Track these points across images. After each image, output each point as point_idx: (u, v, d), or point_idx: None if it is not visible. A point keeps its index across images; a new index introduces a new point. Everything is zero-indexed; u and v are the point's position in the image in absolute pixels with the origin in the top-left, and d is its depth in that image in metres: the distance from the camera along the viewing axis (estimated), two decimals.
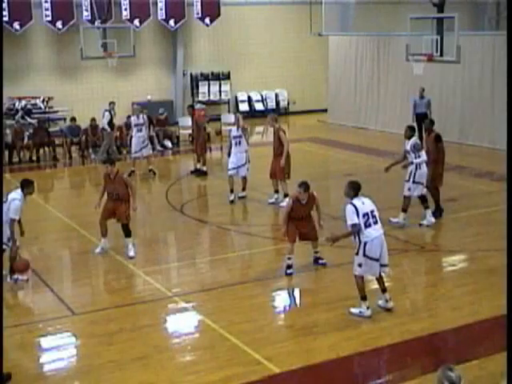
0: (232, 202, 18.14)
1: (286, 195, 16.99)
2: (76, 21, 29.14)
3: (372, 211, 10.83)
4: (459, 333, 10.54)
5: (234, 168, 18.19)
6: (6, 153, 24.36)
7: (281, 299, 12.13)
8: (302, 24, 31.71)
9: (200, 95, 32.55)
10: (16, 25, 28.40)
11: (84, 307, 11.81)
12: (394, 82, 28.56)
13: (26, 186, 12.81)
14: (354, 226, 10.65)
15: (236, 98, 34.03)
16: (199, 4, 31.53)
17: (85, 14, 29.40)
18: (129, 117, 26.30)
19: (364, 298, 11.02)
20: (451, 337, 10.56)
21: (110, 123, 24.62)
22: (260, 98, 34.55)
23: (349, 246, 14.02)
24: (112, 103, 25.11)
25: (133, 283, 13.26)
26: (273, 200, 17.85)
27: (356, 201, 10.77)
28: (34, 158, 24.79)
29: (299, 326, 10.89)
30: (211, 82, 32.84)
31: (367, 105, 30.13)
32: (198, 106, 29.09)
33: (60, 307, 11.84)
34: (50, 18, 29.07)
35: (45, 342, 10.60)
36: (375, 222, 10.82)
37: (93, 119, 25.39)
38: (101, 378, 9.42)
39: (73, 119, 25.94)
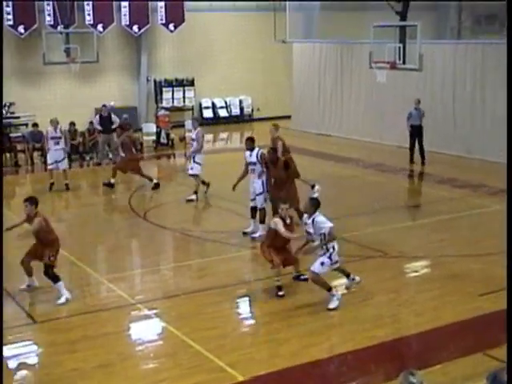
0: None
1: None
2: (38, 25, 28.93)
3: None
4: (422, 338, 10.60)
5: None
6: None
7: (244, 306, 12.12)
8: (267, 31, 31.76)
9: (164, 101, 32.43)
10: None
11: (46, 315, 11.68)
12: (358, 89, 28.73)
13: None
14: (332, 227, 11.39)
15: (200, 104, 34.00)
16: (163, 10, 31.49)
17: (47, 18, 29.20)
18: (91, 123, 26.26)
19: (330, 289, 11.58)
20: (414, 342, 10.63)
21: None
22: (224, 105, 34.55)
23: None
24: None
25: (96, 290, 13.16)
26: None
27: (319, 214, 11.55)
28: None
29: (262, 333, 10.90)
30: (175, 89, 32.72)
31: (331, 112, 30.26)
32: (161, 112, 29.13)
33: (21, 315, 11.71)
34: (11, 22, 28.81)
35: (5, 350, 10.44)
36: None
37: (72, 123, 25.19)
38: None
39: (35, 125, 25.69)
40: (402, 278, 13.56)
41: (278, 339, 10.60)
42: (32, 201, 12.38)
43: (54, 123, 21.00)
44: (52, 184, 20.85)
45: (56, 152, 20.87)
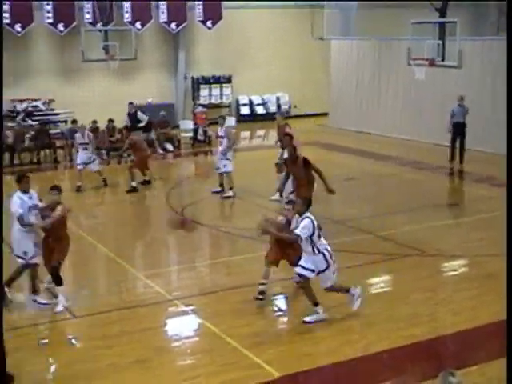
0: None
1: None
2: (77, 23, 29.18)
3: (318, 224, 11.02)
4: (459, 338, 10.53)
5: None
6: (7, 155, 24.36)
7: (281, 303, 12.10)
8: (304, 28, 31.73)
9: (201, 98, 32.54)
10: (17, 27, 28.43)
11: (84, 310, 11.79)
12: (396, 86, 28.55)
13: (19, 181, 12.06)
14: (300, 238, 10.82)
15: (237, 101, 34.05)
16: (201, 7, 31.58)
17: (86, 16, 29.48)
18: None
19: (317, 304, 11.09)
20: (451, 342, 10.55)
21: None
22: (261, 102, 34.55)
23: (348, 250, 14.09)
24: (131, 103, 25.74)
25: (133, 286, 13.26)
26: None
27: (309, 214, 10.94)
28: (35, 160, 24.80)
29: (299, 330, 10.88)
30: (212, 86, 32.83)
31: (368, 109, 30.12)
32: (198, 109, 29.23)
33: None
34: (51, 20, 29.10)
35: (45, 344, 10.59)
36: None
37: (110, 120, 25.36)
38: (101, 381, 9.42)
39: (74, 121, 25.89)
40: (439, 277, 13.47)
41: (313, 337, 10.59)
42: (59, 189, 12.19)
43: (82, 130, 21.21)
44: (79, 186, 20.80)
45: (85, 154, 20.97)
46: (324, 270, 10.93)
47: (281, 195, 16.04)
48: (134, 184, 20.42)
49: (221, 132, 19.64)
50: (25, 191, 11.90)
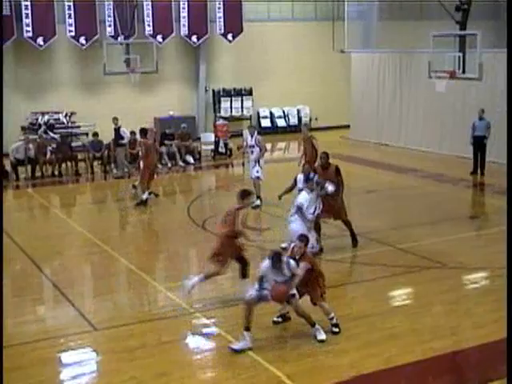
0: None
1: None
2: (99, 36, 29.39)
3: None
4: (482, 351, 10.44)
5: None
6: (29, 167, 24.54)
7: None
8: (325, 40, 31.74)
9: (222, 111, 32.66)
10: (40, 40, 28.68)
11: (105, 322, 11.81)
12: (416, 98, 28.50)
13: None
14: None
15: (258, 113, 34.10)
16: (222, 20, 31.71)
17: (108, 29, 29.69)
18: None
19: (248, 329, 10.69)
20: (474, 355, 10.47)
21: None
22: (282, 114, 34.59)
23: (369, 262, 14.05)
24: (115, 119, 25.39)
25: (154, 299, 13.28)
26: None
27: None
28: (57, 172, 24.94)
29: (321, 344, 10.83)
30: (233, 98, 32.94)
31: (389, 121, 30.08)
32: (219, 122, 29.31)
33: (81, 322, 11.85)
34: (73, 34, 29.33)
35: (66, 357, 10.61)
36: None
37: (133, 132, 25.42)
38: None
39: (95, 134, 26.06)
40: (461, 290, 13.38)
41: (336, 350, 10.54)
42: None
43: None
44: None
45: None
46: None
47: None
48: (144, 196, 20.34)
49: (251, 141, 19.93)
50: None
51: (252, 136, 20.05)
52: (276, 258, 10.54)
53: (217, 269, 12.50)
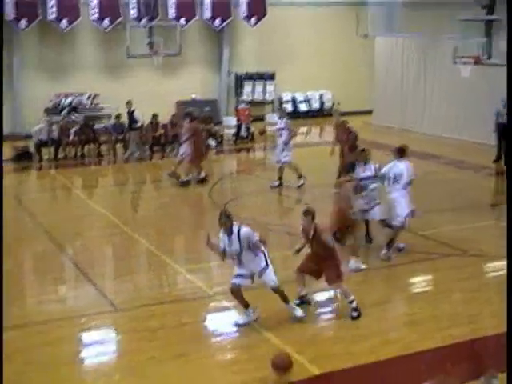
0: None
1: None
2: (123, 19, 29.36)
3: None
4: (500, 340, 10.42)
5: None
6: (52, 149, 24.67)
7: (323, 301, 12.04)
8: (348, 25, 31.51)
9: (244, 95, 32.59)
10: (64, 22, 28.68)
11: (126, 303, 11.91)
12: (440, 84, 28.31)
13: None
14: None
15: (280, 98, 33.98)
16: (245, 4, 31.59)
17: (131, 12, 29.61)
18: (174, 115, 26.56)
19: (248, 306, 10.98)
20: (492, 343, 10.45)
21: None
22: (304, 99, 34.48)
23: (379, 247, 14.02)
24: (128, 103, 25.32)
25: (174, 281, 13.36)
26: None
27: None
28: (79, 154, 25.05)
29: (341, 328, 10.87)
30: (256, 82, 32.84)
31: (412, 106, 29.91)
32: (242, 106, 29.28)
33: (102, 302, 11.97)
34: (97, 16, 29.31)
35: (87, 336, 10.73)
36: None
37: (155, 115, 25.52)
38: (141, 373, 9.50)
39: (118, 117, 26.12)
40: (481, 278, 13.35)
41: (356, 335, 10.57)
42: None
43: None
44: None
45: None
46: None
47: None
48: (187, 178, 20.58)
49: (281, 124, 20.08)
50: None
51: (281, 119, 20.20)
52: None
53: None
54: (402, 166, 13.91)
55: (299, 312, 10.99)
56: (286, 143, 19.80)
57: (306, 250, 11.51)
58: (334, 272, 11.14)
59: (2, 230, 10.32)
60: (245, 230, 10.76)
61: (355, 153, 15.25)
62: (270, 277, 10.83)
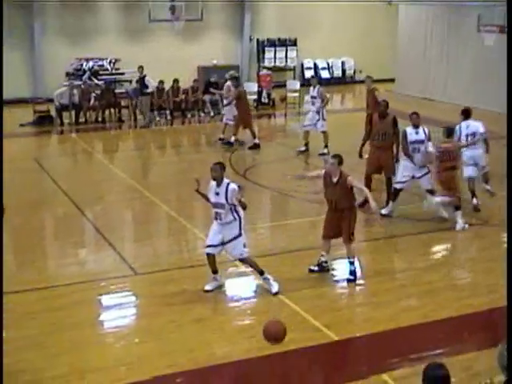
0: None
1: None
2: None
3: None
4: None
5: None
6: (73, 113, 24.71)
7: (341, 268, 12.01)
8: None
9: (266, 61, 32.40)
10: None
11: (145, 267, 11.97)
12: (464, 52, 28.02)
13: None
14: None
15: (302, 64, 33.79)
16: None
17: None
18: (195, 80, 26.50)
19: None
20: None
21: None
22: (326, 66, 34.23)
23: (410, 217, 13.98)
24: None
25: (194, 246, 13.38)
26: None
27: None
28: (100, 119, 25.07)
29: (359, 295, 10.89)
30: (277, 48, 32.61)
31: (435, 76, 29.66)
32: (263, 72, 29.13)
33: (122, 266, 12.03)
34: None
35: (107, 299, 10.80)
36: None
37: (175, 80, 25.46)
38: (160, 336, 9.57)
39: (138, 81, 26.05)
40: (501, 248, 13.24)
41: (374, 302, 10.59)
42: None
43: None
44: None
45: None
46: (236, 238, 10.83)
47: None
48: (233, 139, 20.90)
49: (313, 92, 20.07)
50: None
51: (314, 87, 20.17)
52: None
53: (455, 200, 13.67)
54: (475, 124, 15.77)
55: (275, 287, 10.80)
56: (318, 112, 19.82)
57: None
58: (347, 232, 11.24)
59: (2, 228, 10.30)
60: (233, 186, 10.88)
61: (385, 120, 15.07)
62: (240, 247, 10.83)
